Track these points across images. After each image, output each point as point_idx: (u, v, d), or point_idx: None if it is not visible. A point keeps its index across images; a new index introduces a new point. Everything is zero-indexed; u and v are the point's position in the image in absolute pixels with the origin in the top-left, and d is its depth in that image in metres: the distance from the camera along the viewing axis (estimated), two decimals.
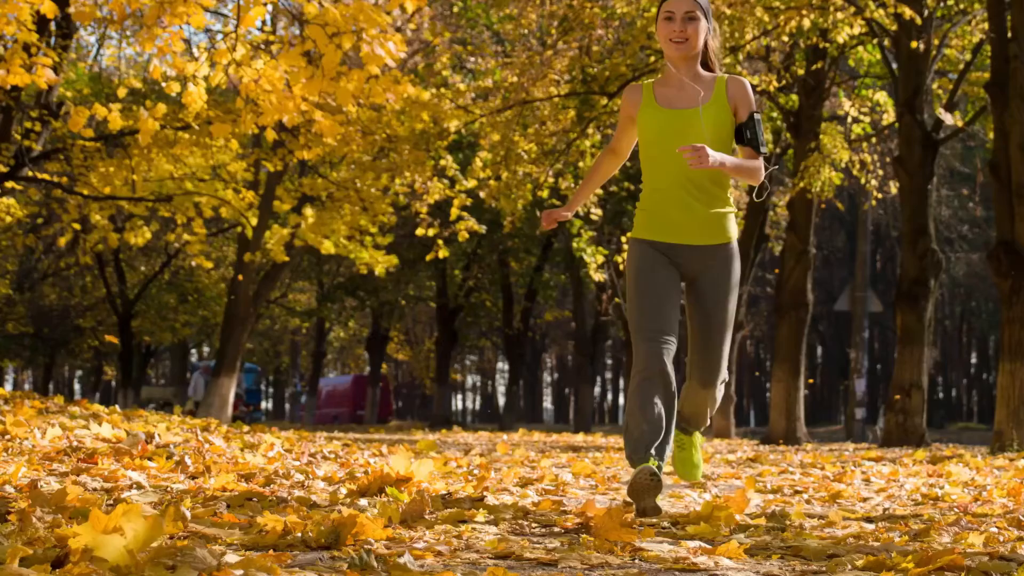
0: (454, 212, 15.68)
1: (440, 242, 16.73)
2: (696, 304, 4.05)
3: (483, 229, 17.27)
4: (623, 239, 19.26)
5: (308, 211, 18.28)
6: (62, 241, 17.00)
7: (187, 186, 17.65)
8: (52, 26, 13.50)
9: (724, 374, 4.11)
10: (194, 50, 9.80)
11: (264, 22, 16.99)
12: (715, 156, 3.73)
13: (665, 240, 3.97)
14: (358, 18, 7.58)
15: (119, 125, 9.23)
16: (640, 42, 13.68)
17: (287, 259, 18.71)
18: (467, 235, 16.14)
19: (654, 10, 13.39)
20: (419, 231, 16.41)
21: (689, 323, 4.11)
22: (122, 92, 9.71)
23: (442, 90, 16.32)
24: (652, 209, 3.99)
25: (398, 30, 17.20)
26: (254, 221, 18.44)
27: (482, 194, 15.69)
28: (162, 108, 9.01)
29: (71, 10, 7.25)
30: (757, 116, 3.96)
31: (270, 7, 7.81)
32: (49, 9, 7.51)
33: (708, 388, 4.11)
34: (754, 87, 14.71)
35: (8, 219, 19.24)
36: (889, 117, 16.45)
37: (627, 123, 4.08)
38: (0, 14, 7.56)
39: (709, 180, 3.93)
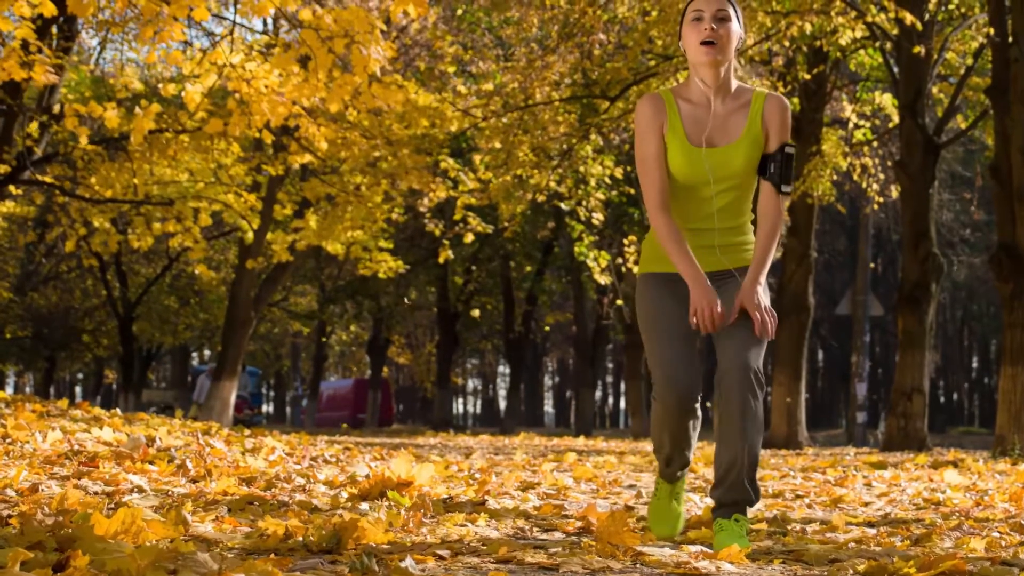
0: (458, 212, 15.69)
1: (446, 242, 16.74)
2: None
3: (490, 229, 17.26)
4: (624, 241, 19.26)
5: (311, 216, 18.27)
6: (70, 246, 16.99)
7: (186, 186, 17.63)
8: (54, 28, 13.51)
9: (759, 368, 3.39)
10: (194, 52, 9.84)
11: (266, 24, 17.03)
12: (764, 302, 3.37)
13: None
14: (352, 22, 7.61)
15: (115, 124, 9.26)
16: (642, 46, 13.67)
17: (291, 258, 18.69)
18: (472, 237, 16.15)
19: (655, 13, 13.39)
20: (429, 227, 16.43)
21: (717, 341, 3.51)
22: (122, 93, 9.75)
23: (444, 93, 16.33)
24: None
25: (402, 30, 17.23)
26: (255, 224, 18.43)
27: (477, 197, 15.69)
28: (156, 108, 9.03)
29: (69, 1, 7.21)
30: (790, 150, 3.47)
31: (273, 10, 7.84)
32: (47, 9, 7.51)
33: (745, 393, 3.36)
34: None
35: (13, 225, 19.25)
36: (894, 120, 16.44)
37: (656, 130, 3.47)
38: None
39: (733, 219, 3.53)
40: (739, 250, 3.57)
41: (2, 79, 7.92)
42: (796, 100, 16.67)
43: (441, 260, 17.76)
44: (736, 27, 3.46)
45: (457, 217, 15.86)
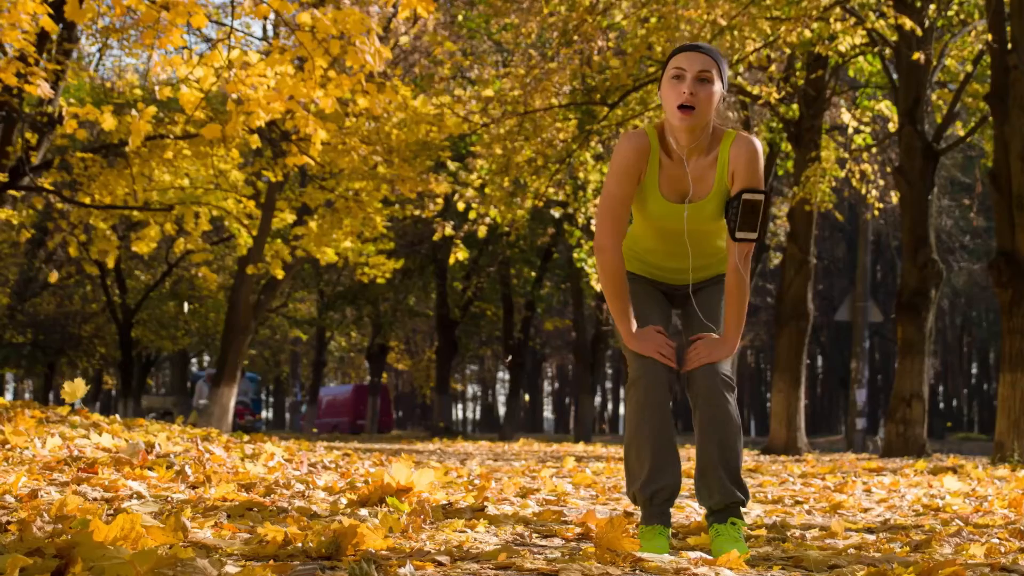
0: (460, 206, 15.72)
1: (458, 242, 16.75)
2: (691, 315, 3.60)
3: (500, 219, 17.27)
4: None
5: (312, 224, 18.28)
6: (73, 251, 17.02)
7: (188, 191, 17.65)
8: (54, 36, 13.54)
9: (728, 372, 3.43)
10: (193, 57, 9.87)
11: (265, 30, 17.06)
12: (730, 350, 3.41)
13: (652, 279, 3.63)
14: (347, 22, 7.63)
15: (112, 127, 9.28)
16: (641, 52, 13.69)
17: (283, 274, 18.70)
18: (485, 230, 16.16)
19: (654, 20, 13.41)
20: (438, 234, 16.47)
21: (687, 338, 3.60)
22: (122, 98, 9.78)
23: (443, 98, 16.34)
24: (642, 257, 3.60)
25: (404, 34, 17.26)
26: (255, 230, 18.43)
27: (477, 202, 15.69)
28: (152, 110, 9.04)
29: (66, 8, 7.22)
30: (750, 196, 3.31)
31: (272, 15, 7.87)
32: (48, 23, 7.52)
33: (716, 396, 3.39)
34: (756, 97, 14.70)
35: (12, 231, 19.25)
36: (893, 126, 16.46)
37: (634, 177, 3.40)
38: (5, 23, 7.58)
39: (706, 248, 3.55)
40: (711, 268, 3.62)
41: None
42: (795, 106, 16.69)
43: (453, 261, 17.74)
44: (718, 88, 3.31)
45: (461, 209, 15.85)
